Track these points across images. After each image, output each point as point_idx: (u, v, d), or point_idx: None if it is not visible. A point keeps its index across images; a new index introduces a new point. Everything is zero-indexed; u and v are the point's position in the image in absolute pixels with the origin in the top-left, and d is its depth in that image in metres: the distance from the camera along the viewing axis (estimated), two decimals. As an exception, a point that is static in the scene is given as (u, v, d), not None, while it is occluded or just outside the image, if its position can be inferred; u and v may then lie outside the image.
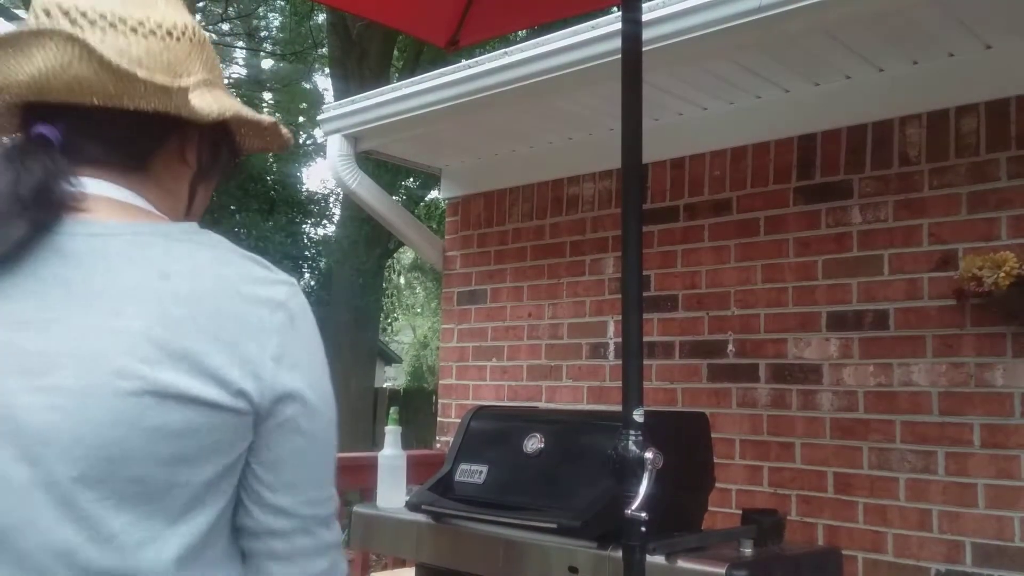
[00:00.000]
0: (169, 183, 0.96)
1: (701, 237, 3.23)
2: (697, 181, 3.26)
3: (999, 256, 2.40)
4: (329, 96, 15.33)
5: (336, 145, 3.70)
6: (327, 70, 15.67)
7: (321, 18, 14.81)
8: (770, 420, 2.98)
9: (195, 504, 0.83)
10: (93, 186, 0.88)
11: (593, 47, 2.75)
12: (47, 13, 0.87)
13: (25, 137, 0.88)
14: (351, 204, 8.41)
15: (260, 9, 18.01)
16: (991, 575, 2.48)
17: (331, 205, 15.79)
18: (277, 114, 17.79)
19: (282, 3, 16.93)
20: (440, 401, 4.10)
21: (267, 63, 19.01)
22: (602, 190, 3.57)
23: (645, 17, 2.33)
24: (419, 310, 25.13)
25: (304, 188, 16.14)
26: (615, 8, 2.46)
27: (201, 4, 17.30)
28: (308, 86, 19.01)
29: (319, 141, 15.18)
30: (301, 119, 17.65)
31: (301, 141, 17.15)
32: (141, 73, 0.86)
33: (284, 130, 1.04)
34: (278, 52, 18.33)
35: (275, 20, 18.60)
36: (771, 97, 3.03)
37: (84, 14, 0.86)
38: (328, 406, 0.91)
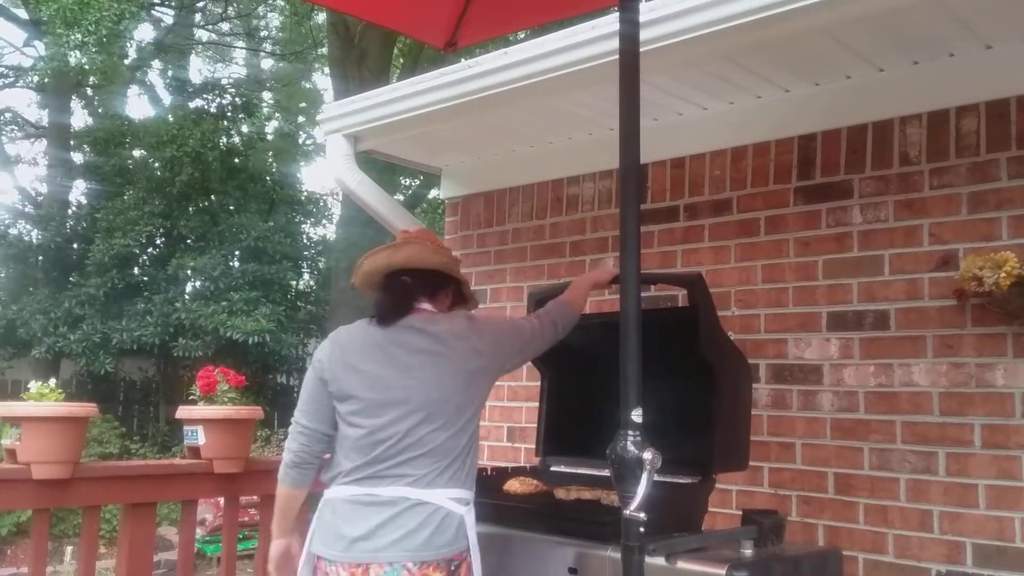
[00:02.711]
0: (443, 301, 2.30)
1: (701, 237, 3.22)
2: (697, 181, 3.26)
3: (1000, 256, 2.40)
4: (329, 96, 15.31)
5: (336, 145, 3.70)
6: (327, 70, 15.67)
7: (321, 18, 14.82)
8: (770, 420, 2.98)
9: (471, 415, 2.16)
10: (421, 303, 2.25)
11: (592, 47, 2.75)
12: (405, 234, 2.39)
13: (399, 280, 2.25)
14: (351, 204, 8.40)
15: (260, 9, 18.02)
16: (992, 575, 2.48)
17: (331, 205, 15.79)
18: (277, 113, 17.84)
19: (282, 3, 16.93)
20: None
21: (267, 63, 19.02)
22: (602, 190, 3.56)
23: (645, 17, 2.33)
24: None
25: (304, 188, 16.12)
26: (614, 8, 2.45)
27: (201, 4, 17.33)
28: (308, 86, 19.02)
29: (319, 141, 15.17)
30: (301, 119, 17.65)
31: (301, 141, 17.16)
32: (444, 266, 2.28)
33: (473, 297, 2.47)
34: (278, 52, 18.34)
35: (275, 20, 18.62)
36: (771, 97, 3.03)
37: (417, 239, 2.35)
38: (501, 331, 2.30)
